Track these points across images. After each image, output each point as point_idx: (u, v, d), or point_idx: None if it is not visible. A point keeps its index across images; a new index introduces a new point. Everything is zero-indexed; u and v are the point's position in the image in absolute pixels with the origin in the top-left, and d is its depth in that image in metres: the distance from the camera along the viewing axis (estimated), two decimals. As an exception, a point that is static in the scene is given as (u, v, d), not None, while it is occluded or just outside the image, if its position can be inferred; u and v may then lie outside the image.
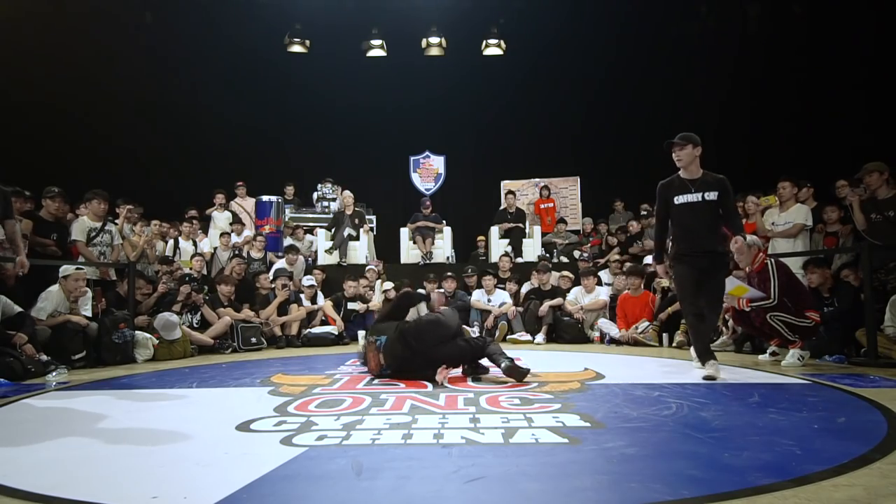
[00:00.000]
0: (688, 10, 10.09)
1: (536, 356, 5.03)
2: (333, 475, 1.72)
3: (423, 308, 4.03)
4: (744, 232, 3.75)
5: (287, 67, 10.88)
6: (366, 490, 1.60)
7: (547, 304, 6.62)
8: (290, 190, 9.57)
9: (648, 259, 6.98)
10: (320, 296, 7.02)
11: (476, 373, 3.69)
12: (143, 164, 9.68)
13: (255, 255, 7.86)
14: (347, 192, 8.82)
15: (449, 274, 7.39)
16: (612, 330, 6.22)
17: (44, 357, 4.22)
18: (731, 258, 4.30)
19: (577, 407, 2.66)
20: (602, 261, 8.07)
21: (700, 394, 3.01)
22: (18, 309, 4.37)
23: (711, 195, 3.63)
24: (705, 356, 3.63)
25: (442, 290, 7.01)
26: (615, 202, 9.60)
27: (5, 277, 4.53)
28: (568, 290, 6.94)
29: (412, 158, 11.63)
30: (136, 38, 9.72)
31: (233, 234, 8.15)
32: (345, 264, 8.19)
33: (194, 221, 8.08)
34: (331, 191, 9.57)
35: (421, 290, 6.58)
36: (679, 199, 3.72)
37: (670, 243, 4.01)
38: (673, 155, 3.72)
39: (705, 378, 3.42)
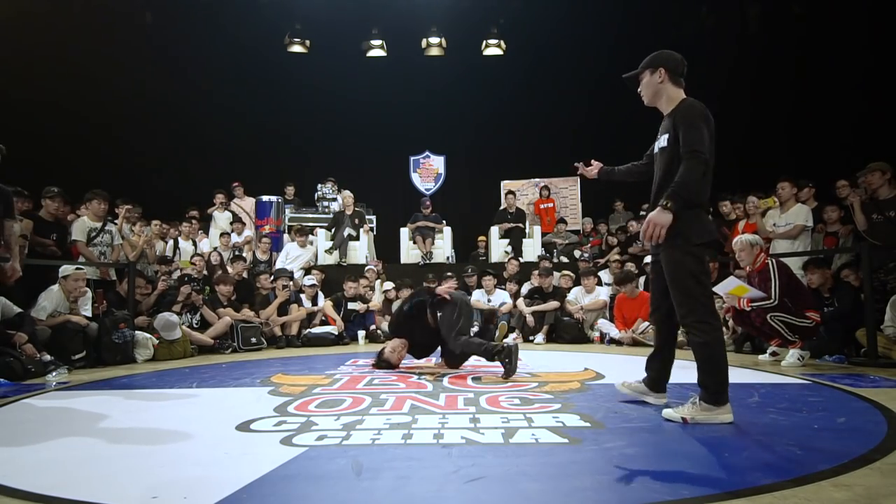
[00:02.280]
0: (687, 10, 10.09)
1: (536, 356, 5.03)
2: (333, 475, 1.72)
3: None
4: (677, 192, 2.35)
5: (287, 67, 10.89)
6: (366, 490, 1.60)
7: (523, 305, 6.67)
8: (290, 190, 9.58)
9: (648, 259, 6.99)
10: (321, 296, 7.02)
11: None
12: (143, 164, 9.68)
13: (261, 256, 7.89)
14: (347, 192, 8.82)
15: (449, 274, 7.39)
16: (612, 330, 6.23)
17: (46, 357, 4.23)
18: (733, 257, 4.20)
19: (577, 407, 2.66)
20: (602, 261, 8.07)
21: (700, 394, 3.00)
22: (18, 310, 4.37)
23: (662, 141, 2.57)
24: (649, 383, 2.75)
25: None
26: (615, 202, 9.61)
27: (4, 278, 4.52)
28: (568, 290, 6.94)
29: (412, 158, 11.64)
30: (136, 38, 9.72)
31: (233, 234, 8.17)
32: (345, 264, 8.19)
33: (194, 221, 8.09)
34: (331, 191, 9.58)
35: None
36: (656, 147, 2.68)
37: None
38: None
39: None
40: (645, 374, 2.76)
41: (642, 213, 8.21)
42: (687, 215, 2.39)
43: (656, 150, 2.65)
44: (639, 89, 2.73)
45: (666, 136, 2.53)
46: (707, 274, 2.47)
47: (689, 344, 2.43)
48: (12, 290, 4.46)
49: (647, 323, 6.05)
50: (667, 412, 2.45)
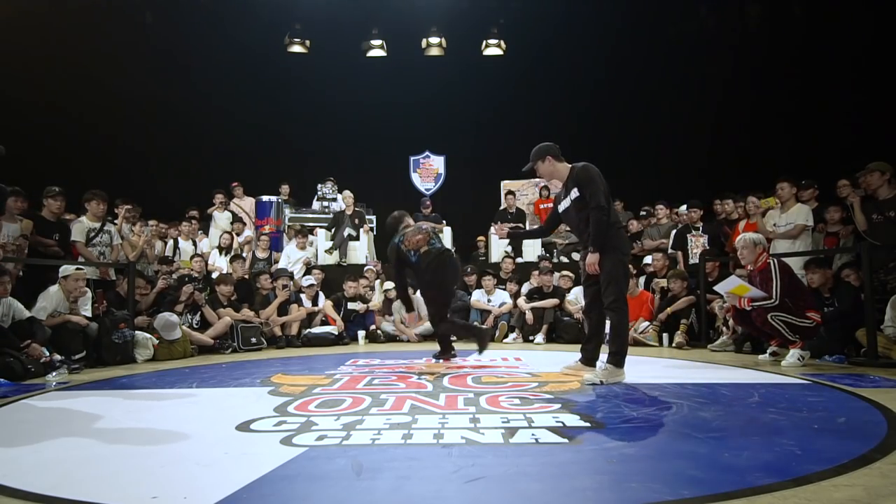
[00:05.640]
0: (687, 10, 10.10)
1: (536, 356, 5.03)
2: (333, 475, 1.72)
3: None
4: (595, 239, 3.42)
5: (287, 67, 10.89)
6: (366, 490, 1.60)
7: (523, 302, 6.67)
8: (285, 189, 9.55)
9: (648, 259, 6.99)
10: (321, 296, 7.02)
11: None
12: (142, 164, 9.69)
13: (261, 254, 7.89)
14: (347, 192, 8.82)
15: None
16: (613, 330, 6.21)
17: (57, 357, 4.23)
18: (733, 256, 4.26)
19: (577, 407, 2.66)
20: (602, 261, 8.05)
21: (700, 394, 3.01)
22: (28, 314, 4.37)
23: (574, 193, 3.53)
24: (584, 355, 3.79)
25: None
26: (615, 202, 9.59)
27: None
28: (568, 290, 6.94)
29: (412, 158, 11.63)
30: (136, 38, 9.73)
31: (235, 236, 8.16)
32: (345, 264, 8.19)
33: (194, 221, 8.09)
34: (331, 191, 9.58)
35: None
36: (561, 207, 3.72)
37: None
38: None
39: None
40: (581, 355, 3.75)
41: (643, 213, 8.22)
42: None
43: (566, 205, 3.61)
44: (538, 175, 3.83)
45: (575, 189, 3.50)
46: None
47: (610, 320, 3.53)
48: (13, 290, 4.47)
49: (647, 322, 6.05)
50: (586, 377, 3.40)
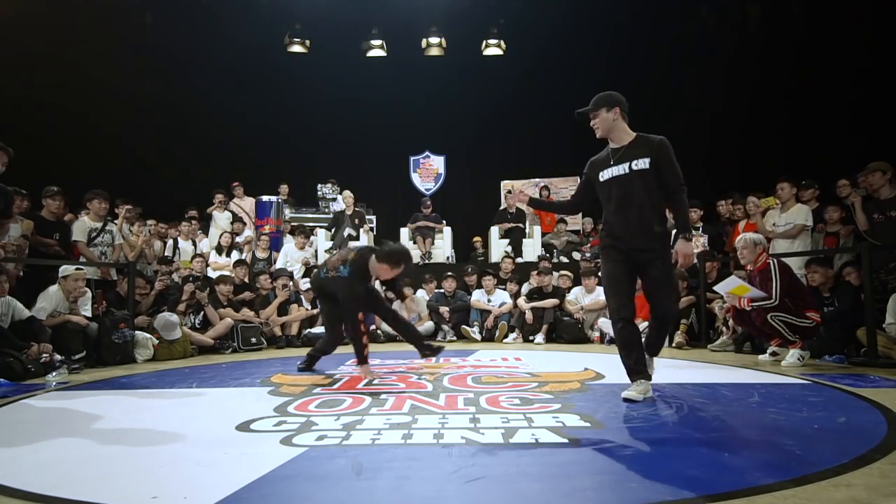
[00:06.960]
0: (687, 10, 10.09)
1: (536, 356, 5.03)
2: (333, 475, 1.72)
3: None
4: (687, 224, 2.95)
5: (287, 67, 10.89)
6: (366, 490, 1.60)
7: (523, 302, 6.66)
8: (284, 189, 9.55)
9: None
10: (320, 296, 7.01)
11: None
12: (143, 164, 9.69)
13: (261, 255, 7.88)
14: (347, 192, 8.81)
15: (449, 274, 7.38)
16: (613, 330, 6.21)
17: (57, 356, 4.23)
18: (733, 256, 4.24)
19: (577, 407, 2.66)
20: (602, 261, 8.05)
21: (700, 394, 3.01)
22: (28, 313, 4.37)
23: (641, 163, 2.87)
24: (634, 373, 2.91)
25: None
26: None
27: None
28: (568, 290, 6.93)
29: (412, 158, 11.63)
30: (136, 38, 9.73)
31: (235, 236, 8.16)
32: (345, 264, 8.16)
33: (194, 221, 8.08)
34: (331, 191, 9.57)
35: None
36: (604, 175, 2.98)
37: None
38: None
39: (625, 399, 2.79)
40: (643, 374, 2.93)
41: None
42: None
43: (618, 173, 2.93)
44: (592, 124, 3.00)
45: (646, 160, 2.88)
46: None
47: (662, 322, 3.18)
48: (13, 290, 4.47)
49: (646, 323, 6.03)
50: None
